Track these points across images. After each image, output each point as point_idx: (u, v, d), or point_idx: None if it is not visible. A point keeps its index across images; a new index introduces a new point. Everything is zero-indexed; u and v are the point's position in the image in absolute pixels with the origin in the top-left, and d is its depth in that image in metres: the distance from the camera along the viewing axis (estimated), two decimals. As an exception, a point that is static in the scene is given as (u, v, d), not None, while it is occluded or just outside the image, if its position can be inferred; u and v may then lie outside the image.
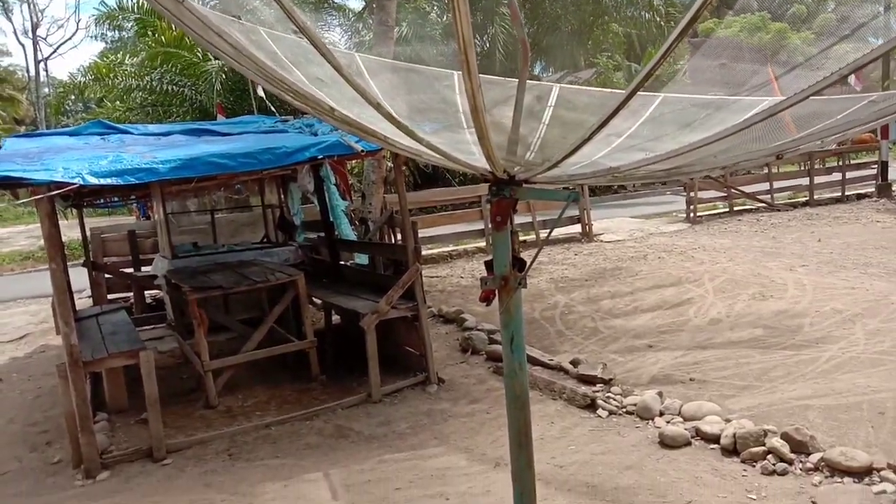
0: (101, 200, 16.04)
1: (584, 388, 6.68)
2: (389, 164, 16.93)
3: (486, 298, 3.32)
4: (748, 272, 11.54)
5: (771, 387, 6.51)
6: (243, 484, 5.51)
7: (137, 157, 6.52)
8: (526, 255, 3.23)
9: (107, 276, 12.19)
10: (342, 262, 10.24)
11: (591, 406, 6.41)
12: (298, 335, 8.16)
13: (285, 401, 7.43)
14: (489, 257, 3.24)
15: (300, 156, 6.43)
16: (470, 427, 6.29)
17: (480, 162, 2.78)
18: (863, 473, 4.65)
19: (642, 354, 7.88)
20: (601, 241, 16.73)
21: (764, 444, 5.14)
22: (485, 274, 3.27)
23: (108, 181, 5.95)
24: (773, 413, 5.89)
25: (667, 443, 5.54)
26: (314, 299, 9.92)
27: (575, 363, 7.30)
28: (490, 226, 3.14)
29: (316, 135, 7.02)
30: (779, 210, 19.40)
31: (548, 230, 14.62)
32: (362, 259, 11.57)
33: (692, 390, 6.64)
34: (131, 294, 12.53)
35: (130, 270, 12.57)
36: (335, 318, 9.51)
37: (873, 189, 20.91)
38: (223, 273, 8.25)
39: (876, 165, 21.62)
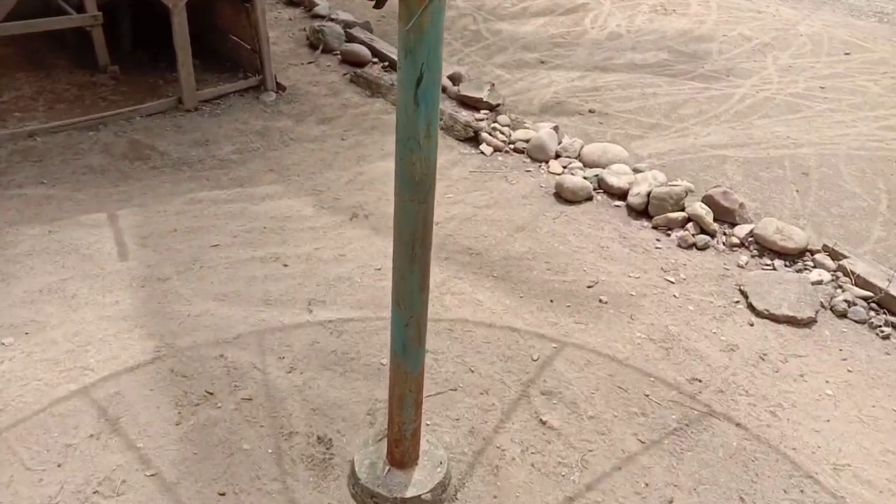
0: None
1: (465, 115, 5.29)
2: None
3: (380, -4, 1.66)
4: (647, -23, 10.01)
5: (682, 128, 5.50)
6: (-14, 225, 3.84)
7: None
8: None
9: None
10: None
11: (474, 139, 5.10)
12: (78, 6, 5.79)
13: (59, 99, 5.37)
14: None
15: None
16: (319, 158, 4.80)
17: None
18: (795, 256, 3.90)
19: (533, 72, 6.48)
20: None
21: (683, 209, 4.21)
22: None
23: None
24: (686, 164, 4.94)
25: (565, 196, 4.46)
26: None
27: (455, 79, 5.79)
28: None
29: None
30: None
31: None
32: None
33: (592, 125, 5.49)
34: None
35: None
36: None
37: None
38: None
39: None
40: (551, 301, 3.50)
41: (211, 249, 3.74)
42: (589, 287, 3.63)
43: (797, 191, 4.64)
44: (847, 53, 7.34)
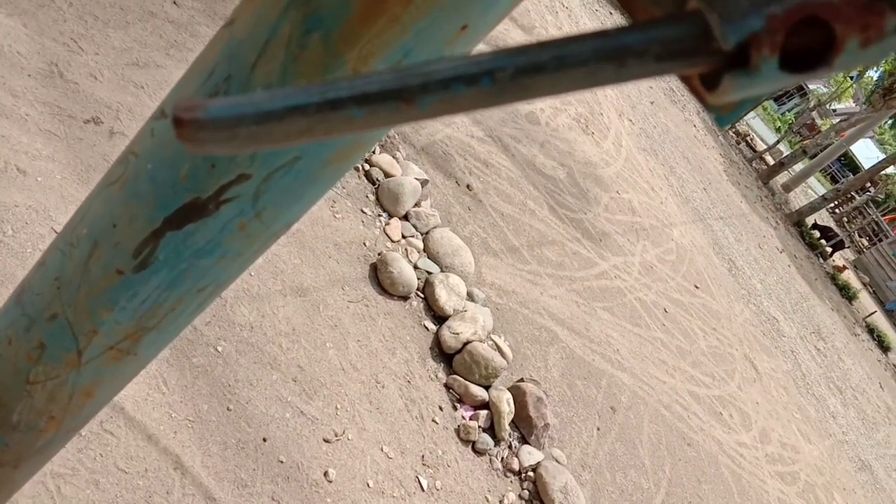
0: None
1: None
2: None
3: None
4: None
5: (537, 272, 4.62)
6: None
7: None
8: None
9: None
10: None
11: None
12: None
13: None
14: None
15: None
16: None
17: None
18: (563, 529, 3.08)
19: (441, 95, 5.28)
20: None
21: (488, 387, 3.24)
22: None
23: None
24: (519, 319, 4.03)
25: (381, 280, 3.30)
26: None
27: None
28: None
29: None
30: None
31: None
32: None
33: (461, 205, 4.41)
34: None
35: None
36: None
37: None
38: None
39: None
40: (264, 440, 2.26)
41: None
42: (326, 441, 2.45)
43: (598, 428, 3.92)
44: (697, 287, 7.14)
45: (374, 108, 0.18)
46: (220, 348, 2.31)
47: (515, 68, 0.18)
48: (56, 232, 2.14)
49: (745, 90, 0.17)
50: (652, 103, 12.66)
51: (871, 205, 20.27)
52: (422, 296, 3.45)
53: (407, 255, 3.51)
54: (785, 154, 18.35)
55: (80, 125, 2.49)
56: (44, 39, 2.66)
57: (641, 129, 10.31)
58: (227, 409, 2.19)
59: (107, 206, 0.45)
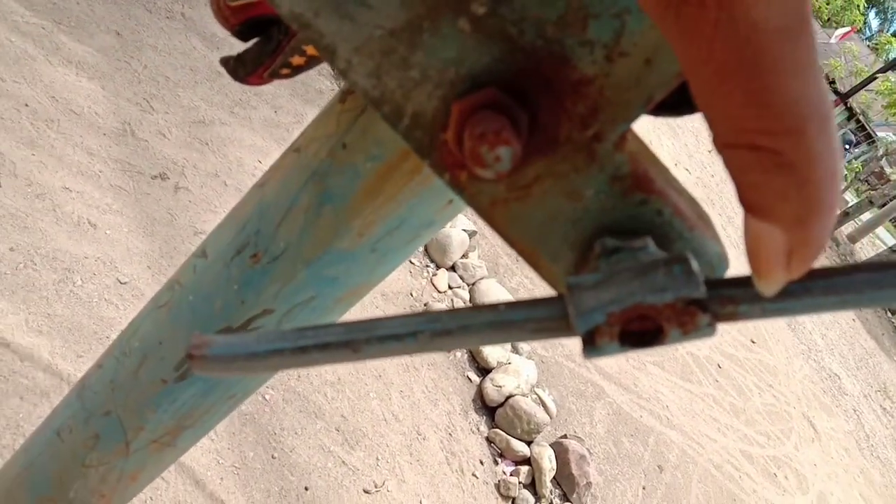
0: None
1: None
2: None
3: None
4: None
5: (583, 324, 4.62)
6: None
7: None
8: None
9: None
10: None
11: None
12: None
13: None
14: None
15: None
16: (194, 67, 3.34)
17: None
18: (603, 593, 3.02)
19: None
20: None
21: (531, 443, 3.24)
22: None
23: None
24: (565, 373, 4.02)
25: (426, 327, 3.36)
26: None
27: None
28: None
29: None
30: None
31: None
32: None
33: (508, 254, 4.47)
34: None
35: None
36: None
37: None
38: None
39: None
40: (306, 489, 2.32)
41: None
42: (366, 492, 2.50)
43: (644, 487, 3.84)
44: (753, 342, 6.96)
45: (330, 353, 0.25)
46: (267, 396, 2.40)
47: (432, 332, 0.24)
48: (120, 283, 2.28)
49: (594, 358, 0.23)
50: (709, 151, 12.53)
51: (945, 257, 19.43)
52: (467, 349, 3.49)
53: (453, 306, 3.57)
54: (850, 203, 17.81)
55: (148, 181, 2.67)
56: (119, 100, 2.87)
57: (698, 179, 10.21)
58: (272, 456, 2.27)
59: (155, 326, 0.52)
